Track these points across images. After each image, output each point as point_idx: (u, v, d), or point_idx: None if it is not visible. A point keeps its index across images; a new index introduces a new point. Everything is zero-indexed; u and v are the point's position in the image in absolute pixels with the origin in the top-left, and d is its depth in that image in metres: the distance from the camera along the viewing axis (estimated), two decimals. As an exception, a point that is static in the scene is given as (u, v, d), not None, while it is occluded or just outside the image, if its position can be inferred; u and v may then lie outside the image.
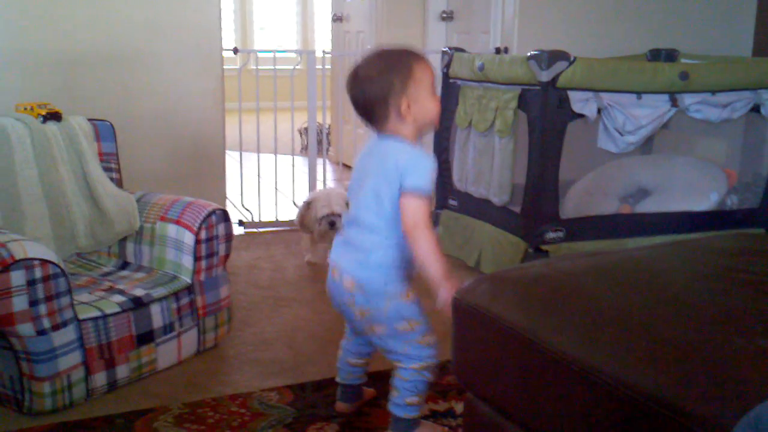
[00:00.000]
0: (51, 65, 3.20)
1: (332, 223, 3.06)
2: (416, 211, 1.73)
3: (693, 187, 3.17)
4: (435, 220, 3.57)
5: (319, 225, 3.11)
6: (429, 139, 3.58)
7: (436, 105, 1.82)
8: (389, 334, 1.82)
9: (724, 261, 1.61)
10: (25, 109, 2.46)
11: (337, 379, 2.05)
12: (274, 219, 4.07)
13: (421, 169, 1.75)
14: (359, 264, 1.80)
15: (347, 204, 2.05)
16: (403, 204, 1.74)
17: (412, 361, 1.83)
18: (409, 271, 1.84)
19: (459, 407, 2.04)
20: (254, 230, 3.99)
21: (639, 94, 2.87)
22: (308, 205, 3.18)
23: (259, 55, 4.06)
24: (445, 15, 4.83)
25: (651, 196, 3.21)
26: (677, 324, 1.29)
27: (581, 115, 2.81)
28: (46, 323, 1.94)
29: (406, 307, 1.81)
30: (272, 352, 2.45)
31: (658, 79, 2.87)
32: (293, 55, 4.51)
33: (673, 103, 2.90)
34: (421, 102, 1.78)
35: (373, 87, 1.77)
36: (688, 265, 1.60)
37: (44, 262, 1.93)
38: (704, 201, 3.11)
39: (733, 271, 1.54)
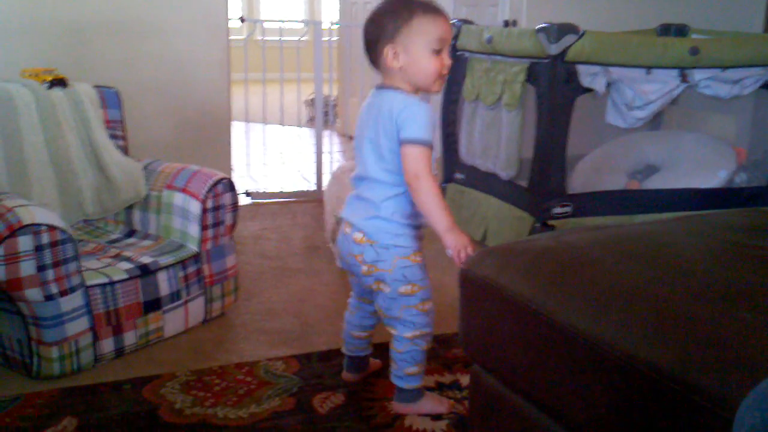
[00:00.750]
0: (57, 32, 3.18)
1: None
2: (416, 161, 1.69)
3: (701, 164, 3.16)
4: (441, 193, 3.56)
5: None
6: (436, 111, 3.57)
7: (433, 64, 1.72)
8: (391, 296, 1.81)
9: (733, 236, 1.60)
10: (31, 75, 2.46)
11: (343, 350, 2.06)
12: (280, 190, 4.07)
13: (417, 117, 1.69)
14: (369, 217, 1.78)
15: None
16: (403, 155, 1.71)
17: (406, 329, 1.82)
18: (419, 230, 1.82)
19: (465, 380, 2.05)
20: (260, 201, 3.99)
21: (648, 69, 2.85)
22: (340, 221, 3.04)
23: (266, 25, 4.04)
24: (453, -13, 4.78)
25: (659, 173, 3.20)
26: (684, 298, 1.28)
27: (590, 90, 2.80)
28: (54, 289, 1.95)
29: (412, 268, 1.79)
30: (279, 322, 2.46)
31: (668, 54, 2.84)
32: (300, 25, 4.47)
33: (683, 78, 2.88)
34: (413, 55, 1.70)
35: (371, 28, 1.74)
36: (697, 240, 1.59)
37: (52, 227, 1.93)
38: (713, 178, 3.10)
39: (742, 246, 1.54)
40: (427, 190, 1.71)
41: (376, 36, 1.72)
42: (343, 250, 1.87)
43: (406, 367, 1.85)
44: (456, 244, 1.69)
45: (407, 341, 1.83)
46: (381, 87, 1.79)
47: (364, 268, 1.80)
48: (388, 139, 1.72)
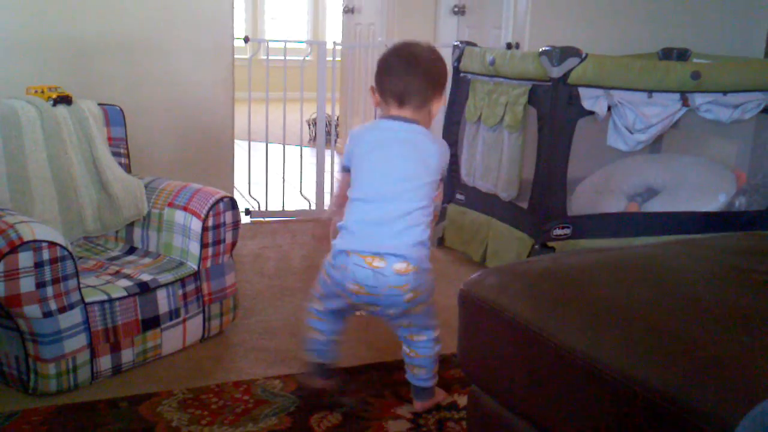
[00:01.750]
0: (62, 49, 3.20)
1: None
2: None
3: (701, 188, 3.16)
4: (442, 214, 3.57)
5: None
6: (437, 132, 3.57)
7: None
8: (425, 311, 1.93)
9: (732, 259, 1.61)
10: (36, 92, 2.47)
11: (316, 359, 2.05)
12: (280, 209, 4.07)
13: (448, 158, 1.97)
14: (413, 243, 1.82)
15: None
16: (441, 186, 1.96)
17: (434, 331, 1.97)
18: None
19: (462, 400, 2.05)
20: (261, 219, 4.00)
21: (650, 92, 2.86)
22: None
23: (270, 45, 4.06)
24: (456, 9, 4.83)
25: (659, 196, 3.21)
26: (683, 320, 1.28)
27: (591, 112, 2.81)
28: (53, 305, 1.95)
29: (432, 281, 1.92)
30: (277, 341, 2.46)
31: (670, 78, 2.86)
32: (304, 45, 4.51)
33: (684, 102, 2.89)
34: (439, 108, 1.94)
35: (439, 70, 1.91)
36: (696, 263, 1.59)
37: (52, 244, 1.93)
38: (712, 202, 3.10)
39: (741, 269, 1.54)
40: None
41: (437, 80, 1.91)
42: (376, 286, 1.81)
43: (434, 367, 1.99)
44: None
45: (436, 339, 1.97)
46: (409, 120, 1.89)
47: (409, 295, 1.84)
48: (429, 175, 1.87)
